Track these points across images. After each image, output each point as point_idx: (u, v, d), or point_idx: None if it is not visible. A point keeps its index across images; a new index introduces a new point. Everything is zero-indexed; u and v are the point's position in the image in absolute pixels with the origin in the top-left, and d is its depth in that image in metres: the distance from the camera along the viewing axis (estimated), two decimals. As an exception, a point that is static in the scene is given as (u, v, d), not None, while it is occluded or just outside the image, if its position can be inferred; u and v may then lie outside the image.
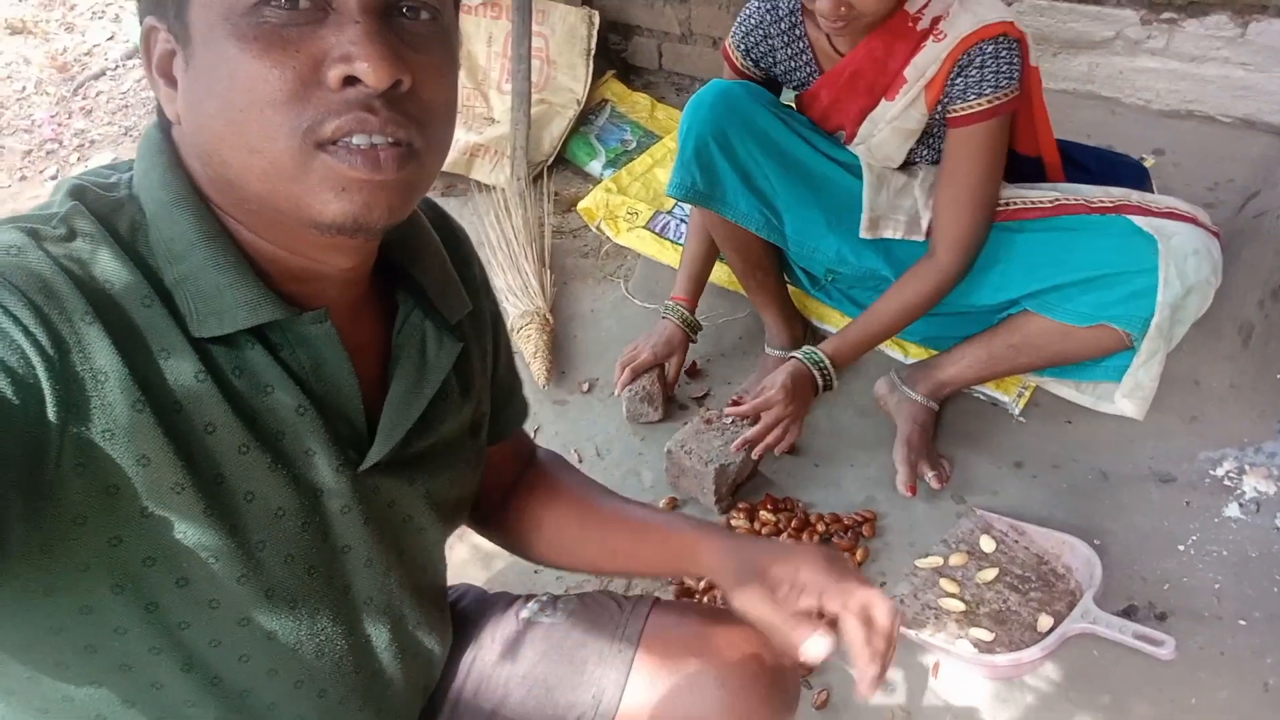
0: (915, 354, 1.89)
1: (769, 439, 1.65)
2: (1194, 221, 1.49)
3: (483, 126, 2.69)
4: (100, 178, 0.67)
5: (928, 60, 1.48)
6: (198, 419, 0.62)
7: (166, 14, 0.62)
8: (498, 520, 1.01)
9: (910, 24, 1.48)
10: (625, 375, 1.87)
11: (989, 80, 1.45)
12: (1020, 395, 1.79)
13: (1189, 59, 2.14)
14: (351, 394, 0.70)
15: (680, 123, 1.66)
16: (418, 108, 0.62)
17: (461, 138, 2.57)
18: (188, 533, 0.62)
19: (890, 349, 1.92)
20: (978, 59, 1.45)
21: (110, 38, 3.69)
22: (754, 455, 1.68)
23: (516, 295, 2.14)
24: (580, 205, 2.39)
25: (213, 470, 0.63)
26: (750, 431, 1.65)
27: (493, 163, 2.57)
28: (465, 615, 1.00)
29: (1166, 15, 2.11)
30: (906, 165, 1.65)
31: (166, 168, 0.65)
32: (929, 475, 1.66)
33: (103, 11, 3.83)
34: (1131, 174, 1.74)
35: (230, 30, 0.58)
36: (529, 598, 1.01)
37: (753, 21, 1.63)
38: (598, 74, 2.73)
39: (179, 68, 0.62)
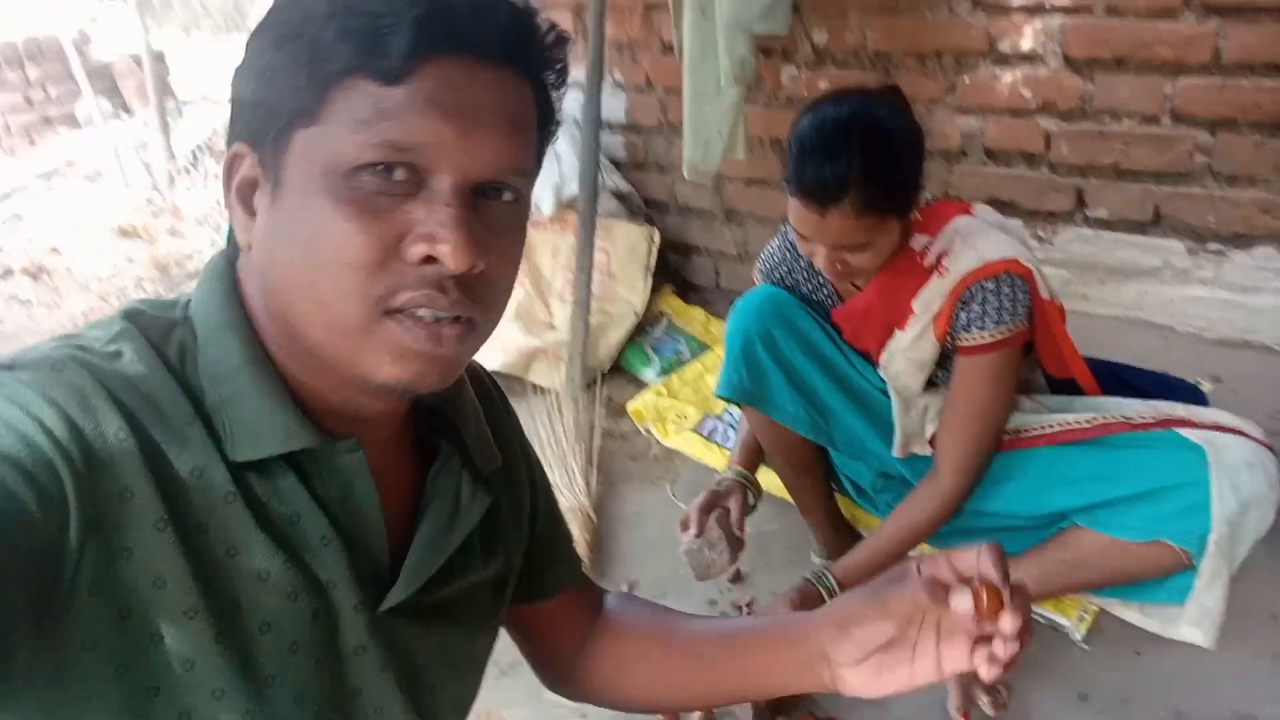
0: (968, 571, 1.80)
1: None
2: (1242, 434, 1.45)
3: (543, 332, 2.79)
4: (160, 301, 0.70)
5: (933, 294, 1.52)
6: (220, 541, 0.61)
7: (261, 147, 0.63)
8: (580, 675, 0.95)
9: (918, 259, 1.53)
10: (693, 520, 1.65)
11: (991, 315, 1.48)
12: (1081, 619, 1.69)
13: (1240, 289, 2.16)
14: (376, 528, 0.69)
15: (727, 325, 1.71)
16: (485, 288, 0.64)
17: (522, 342, 2.67)
18: (196, 662, 0.60)
19: (941, 564, 1.84)
20: (979, 295, 1.48)
21: (212, 244, 4.00)
22: None
23: (561, 491, 2.13)
24: (630, 406, 2.43)
25: (229, 596, 0.62)
26: None
27: (550, 366, 2.64)
28: None
29: (1213, 246, 2.15)
30: (930, 386, 1.65)
31: (225, 294, 0.67)
32: (984, 700, 1.54)
33: (206, 219, 4.18)
34: (1188, 397, 1.71)
35: (326, 187, 0.59)
36: None
37: (776, 258, 1.71)
38: (656, 289, 2.85)
39: (261, 201, 0.64)
